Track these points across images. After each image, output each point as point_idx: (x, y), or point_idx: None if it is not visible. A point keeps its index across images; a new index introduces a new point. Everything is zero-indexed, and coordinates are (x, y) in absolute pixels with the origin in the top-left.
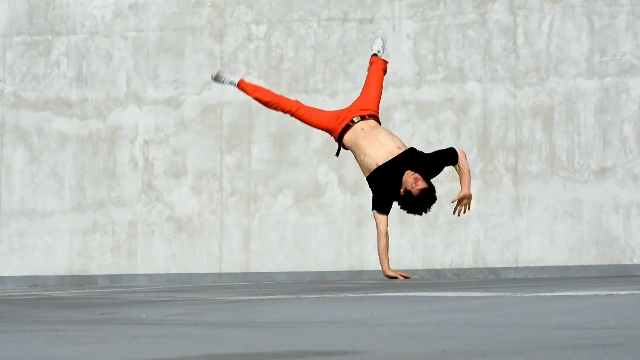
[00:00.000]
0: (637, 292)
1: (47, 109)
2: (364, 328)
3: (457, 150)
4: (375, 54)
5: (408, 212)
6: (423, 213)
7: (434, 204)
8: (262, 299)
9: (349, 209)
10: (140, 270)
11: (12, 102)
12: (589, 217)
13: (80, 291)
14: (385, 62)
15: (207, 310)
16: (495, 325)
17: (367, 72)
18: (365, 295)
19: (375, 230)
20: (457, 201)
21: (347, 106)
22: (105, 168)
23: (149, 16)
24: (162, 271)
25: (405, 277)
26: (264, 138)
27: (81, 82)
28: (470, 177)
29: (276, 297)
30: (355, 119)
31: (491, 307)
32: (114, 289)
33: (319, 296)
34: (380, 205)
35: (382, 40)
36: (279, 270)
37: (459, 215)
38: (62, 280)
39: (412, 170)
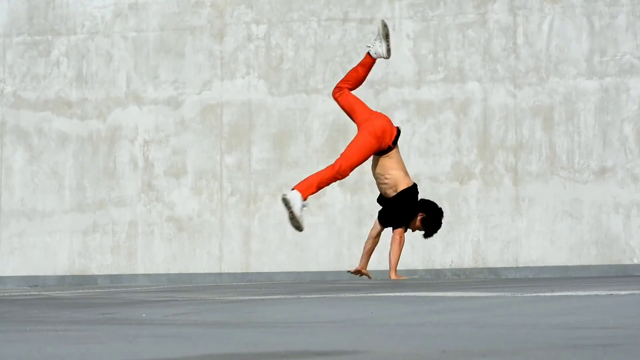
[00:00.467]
0: (637, 292)
1: (47, 109)
2: (364, 328)
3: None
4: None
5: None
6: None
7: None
8: (262, 299)
9: (349, 209)
10: (140, 270)
11: (12, 102)
12: (589, 217)
13: (80, 291)
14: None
15: (207, 310)
16: (495, 325)
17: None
18: (365, 295)
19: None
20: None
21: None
22: (105, 168)
23: (149, 16)
24: (162, 271)
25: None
26: (264, 138)
27: (81, 82)
28: (396, 259)
29: (276, 297)
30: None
31: (491, 307)
32: (114, 289)
33: (319, 296)
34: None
35: (385, 43)
36: (279, 270)
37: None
38: (62, 280)
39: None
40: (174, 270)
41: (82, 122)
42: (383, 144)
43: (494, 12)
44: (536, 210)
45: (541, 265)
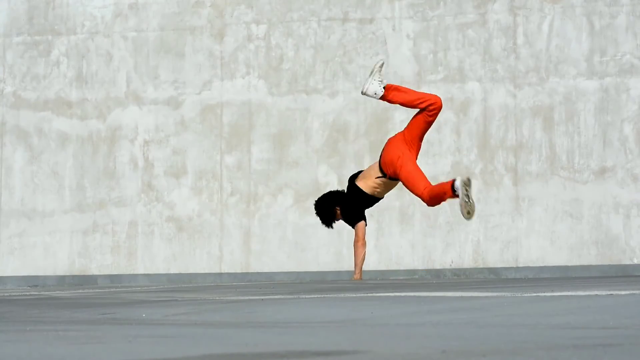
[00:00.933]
0: (637, 292)
1: (47, 109)
2: (364, 328)
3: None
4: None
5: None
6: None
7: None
8: (262, 299)
9: None
10: (140, 270)
11: (12, 102)
12: (589, 217)
13: (80, 291)
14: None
15: (207, 310)
16: (495, 325)
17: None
18: (365, 295)
19: (355, 239)
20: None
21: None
22: (105, 168)
23: (149, 16)
24: (162, 271)
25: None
26: (264, 138)
27: (81, 82)
28: (360, 261)
29: (276, 297)
30: None
31: (491, 307)
32: (114, 289)
33: (319, 296)
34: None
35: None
36: (279, 270)
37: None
38: (62, 280)
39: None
40: (174, 270)
41: (82, 122)
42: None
43: (494, 12)
44: (536, 210)
45: (541, 265)
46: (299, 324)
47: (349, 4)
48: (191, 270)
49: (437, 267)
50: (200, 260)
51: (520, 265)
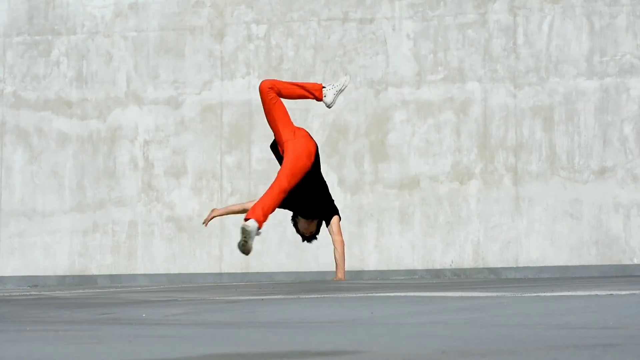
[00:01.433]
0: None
1: (47, 109)
2: (364, 328)
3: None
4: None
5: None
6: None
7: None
8: (262, 299)
9: (349, 209)
10: (140, 270)
11: (12, 102)
12: (589, 217)
13: (80, 291)
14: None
15: (207, 310)
16: (495, 325)
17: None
18: (365, 295)
19: (335, 237)
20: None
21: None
22: (105, 168)
23: (149, 16)
24: (162, 271)
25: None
26: (264, 138)
27: (81, 82)
28: (343, 260)
29: (276, 297)
30: None
31: (491, 307)
32: (114, 289)
33: (319, 296)
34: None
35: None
36: (279, 270)
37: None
38: (62, 280)
39: None
40: (174, 270)
41: (82, 122)
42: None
43: (494, 12)
44: (536, 210)
45: (541, 265)
46: (299, 324)
47: (349, 4)
48: (191, 270)
49: (437, 267)
50: (200, 260)
51: (520, 265)
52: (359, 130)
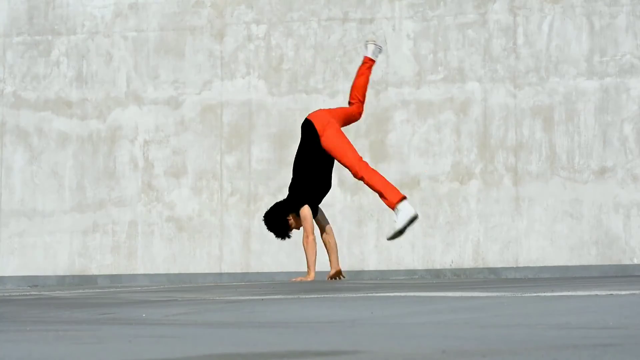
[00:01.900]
0: (637, 292)
1: (47, 109)
2: (364, 328)
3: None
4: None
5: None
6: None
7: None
8: (262, 299)
9: (349, 209)
10: (140, 270)
11: (12, 102)
12: (589, 217)
13: (80, 291)
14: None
15: (207, 310)
16: (495, 325)
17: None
18: (365, 295)
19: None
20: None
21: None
22: (105, 168)
23: (149, 16)
24: (162, 271)
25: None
26: (264, 138)
27: (81, 82)
28: (336, 250)
29: (276, 297)
30: None
31: (491, 307)
32: (114, 289)
33: (319, 296)
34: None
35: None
36: (279, 270)
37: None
38: (62, 280)
39: None
40: (174, 270)
41: (82, 122)
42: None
43: (494, 12)
44: (536, 210)
45: (541, 265)
46: (299, 324)
47: (349, 4)
48: (191, 270)
49: (437, 267)
50: (200, 260)
51: (520, 265)
52: (359, 130)
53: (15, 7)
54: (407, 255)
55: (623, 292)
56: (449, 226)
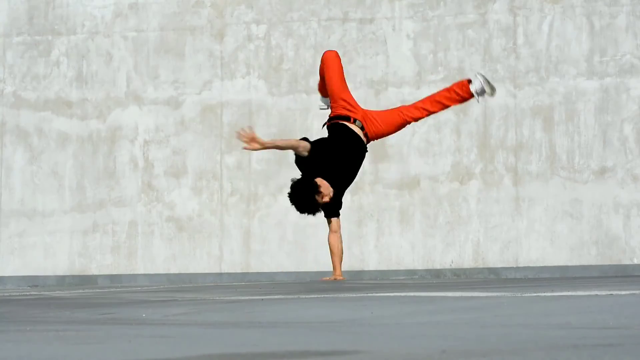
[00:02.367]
0: (637, 292)
1: (47, 109)
2: (364, 328)
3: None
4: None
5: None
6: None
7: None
8: (262, 299)
9: (349, 209)
10: (140, 270)
11: (12, 102)
12: (589, 217)
13: (80, 291)
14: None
15: (207, 310)
16: (495, 325)
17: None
18: (365, 295)
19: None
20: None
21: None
22: (105, 168)
23: (149, 16)
24: (162, 271)
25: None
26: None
27: (81, 82)
28: (340, 255)
29: (276, 297)
30: None
31: (491, 307)
32: (114, 289)
33: (319, 296)
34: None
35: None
36: (279, 270)
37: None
38: (62, 280)
39: None
40: (174, 270)
41: (82, 122)
42: None
43: (494, 12)
44: (536, 210)
45: (541, 265)
46: (299, 324)
47: (349, 4)
48: (191, 270)
49: (437, 267)
50: (200, 260)
51: (520, 265)
52: None
53: (15, 7)
54: (407, 255)
55: (623, 292)
56: (449, 226)
